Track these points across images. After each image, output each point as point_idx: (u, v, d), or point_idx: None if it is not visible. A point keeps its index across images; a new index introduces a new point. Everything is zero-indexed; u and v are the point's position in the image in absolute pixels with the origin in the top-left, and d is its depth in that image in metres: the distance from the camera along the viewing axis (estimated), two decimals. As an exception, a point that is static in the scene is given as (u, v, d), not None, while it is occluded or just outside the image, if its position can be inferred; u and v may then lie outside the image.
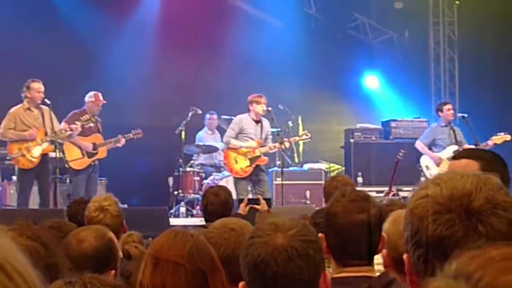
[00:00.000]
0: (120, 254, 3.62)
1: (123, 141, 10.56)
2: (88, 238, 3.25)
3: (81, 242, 3.23)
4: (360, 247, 2.93)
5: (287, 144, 10.72)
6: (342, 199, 3.04)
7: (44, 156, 9.77)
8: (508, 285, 1.02)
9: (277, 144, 10.52)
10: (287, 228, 2.15)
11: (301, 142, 12.69)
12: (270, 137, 10.64)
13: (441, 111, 11.42)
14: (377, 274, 2.98)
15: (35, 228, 2.35)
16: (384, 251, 2.95)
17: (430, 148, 11.38)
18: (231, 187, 10.86)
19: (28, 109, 9.84)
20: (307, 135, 11.03)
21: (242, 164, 10.42)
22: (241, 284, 2.17)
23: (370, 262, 3.01)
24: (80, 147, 10.27)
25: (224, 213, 5.32)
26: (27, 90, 9.79)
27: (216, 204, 5.40)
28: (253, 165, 10.42)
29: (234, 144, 10.45)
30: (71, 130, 9.93)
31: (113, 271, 3.24)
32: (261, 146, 10.49)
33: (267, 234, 2.14)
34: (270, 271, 2.09)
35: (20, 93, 9.95)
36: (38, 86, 9.80)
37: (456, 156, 3.14)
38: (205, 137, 12.73)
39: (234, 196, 10.25)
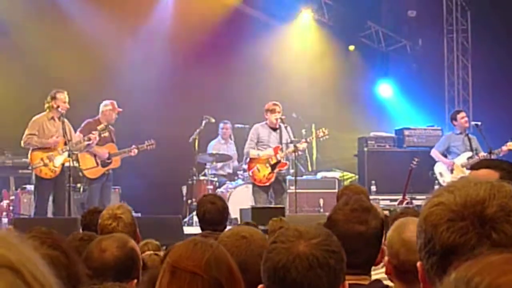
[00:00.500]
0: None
1: (135, 151, 10.61)
2: (110, 247, 3.18)
3: (103, 252, 3.17)
4: (356, 258, 2.86)
5: (304, 145, 10.67)
6: (345, 208, 3.01)
7: (62, 165, 9.78)
8: (509, 284, 1.03)
9: (294, 148, 10.47)
10: (311, 237, 2.14)
11: (314, 151, 12.68)
12: (291, 144, 10.56)
13: (455, 119, 11.42)
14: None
15: (55, 236, 2.33)
16: (386, 258, 2.91)
17: (445, 156, 11.37)
18: (245, 196, 10.93)
19: (52, 118, 9.86)
20: (324, 132, 10.95)
21: (264, 172, 10.47)
22: (259, 286, 2.17)
23: (367, 273, 2.97)
24: (95, 156, 10.32)
25: (221, 221, 5.35)
26: (53, 100, 9.79)
27: (214, 212, 5.37)
28: (275, 171, 10.44)
29: (253, 154, 10.51)
30: (90, 140, 9.97)
31: (135, 281, 3.20)
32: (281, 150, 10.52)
33: (290, 240, 2.14)
34: (289, 277, 2.09)
35: (37, 102, 10.00)
36: (63, 97, 9.83)
37: (475, 166, 3.12)
38: (217, 146, 12.72)
39: (248, 204, 10.27)
